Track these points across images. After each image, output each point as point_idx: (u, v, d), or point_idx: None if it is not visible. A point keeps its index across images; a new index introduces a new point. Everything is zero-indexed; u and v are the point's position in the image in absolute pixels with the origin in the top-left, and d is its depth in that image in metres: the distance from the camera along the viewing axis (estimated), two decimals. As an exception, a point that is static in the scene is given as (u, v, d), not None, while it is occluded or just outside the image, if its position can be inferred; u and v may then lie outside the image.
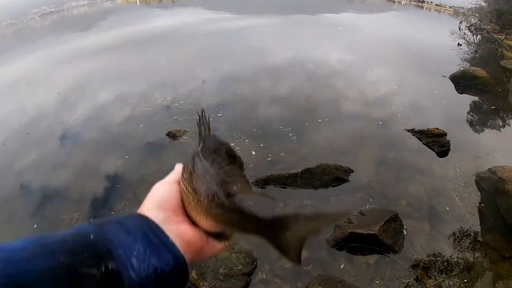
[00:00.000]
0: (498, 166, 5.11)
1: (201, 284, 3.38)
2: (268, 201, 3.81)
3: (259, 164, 5.17)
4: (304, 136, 6.08)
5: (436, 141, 5.91)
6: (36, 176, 5.45)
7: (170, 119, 6.68)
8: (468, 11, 25.59)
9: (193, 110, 6.83)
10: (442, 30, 19.38)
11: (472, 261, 3.81)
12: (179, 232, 0.57)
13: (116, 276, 0.47)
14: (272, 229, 0.56)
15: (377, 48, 14.19)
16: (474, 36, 20.68)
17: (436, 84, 9.51)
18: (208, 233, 0.59)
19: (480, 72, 9.67)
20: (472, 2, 23.92)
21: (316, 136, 6.13)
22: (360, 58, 12.16)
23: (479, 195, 4.87)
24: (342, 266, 3.69)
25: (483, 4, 23.96)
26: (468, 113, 7.98)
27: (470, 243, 4.06)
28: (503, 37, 17.27)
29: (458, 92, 9.13)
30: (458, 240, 4.09)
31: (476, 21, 23.36)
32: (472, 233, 4.20)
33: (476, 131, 7.27)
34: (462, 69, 10.53)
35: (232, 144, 4.54)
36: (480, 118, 7.83)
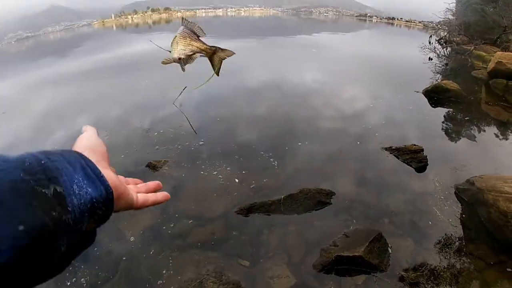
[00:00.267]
0: (476, 176, 5.20)
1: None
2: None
3: (244, 192, 5.15)
4: (285, 160, 6.11)
5: (414, 157, 6.05)
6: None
7: (150, 148, 6.60)
8: (437, 25, 26.46)
9: (173, 139, 6.86)
10: (413, 45, 19.94)
11: (458, 271, 3.84)
12: (106, 174, 0.63)
13: (62, 198, 0.51)
14: (211, 52, 1.14)
15: (351, 67, 14.58)
16: (444, 49, 21.35)
17: (410, 100, 9.80)
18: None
19: (451, 84, 10.00)
20: (441, 16, 24.79)
21: (296, 160, 6.18)
22: (335, 78, 12.50)
23: (460, 206, 4.96)
24: (330, 290, 3.71)
25: (451, 17, 24.83)
26: (443, 126, 8.20)
27: (455, 254, 4.11)
28: (472, 48, 17.81)
29: (432, 106, 9.40)
30: (443, 252, 4.13)
31: (445, 34, 24.15)
32: (456, 244, 4.25)
33: (452, 143, 7.44)
34: (434, 83, 10.85)
35: (214, 173, 4.62)
36: (455, 130, 8.03)
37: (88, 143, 0.71)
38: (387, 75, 13.12)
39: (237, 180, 5.46)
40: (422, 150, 6.16)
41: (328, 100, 9.84)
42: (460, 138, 7.61)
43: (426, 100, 9.80)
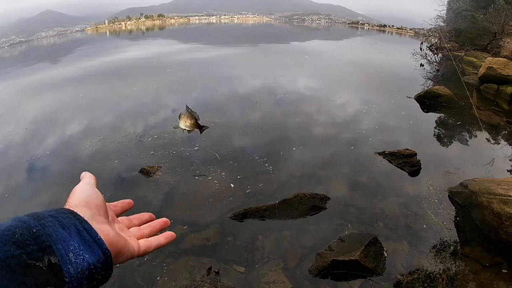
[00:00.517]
0: (469, 179, 5.24)
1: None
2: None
3: (239, 197, 5.13)
4: (280, 165, 6.11)
5: (407, 162, 6.08)
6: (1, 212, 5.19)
7: (145, 154, 6.55)
8: (428, 32, 26.83)
9: (168, 144, 6.83)
10: (405, 52, 20.14)
11: (454, 274, 3.84)
12: (103, 231, 0.60)
13: (57, 269, 0.48)
14: (200, 128, 1.61)
15: (344, 74, 14.66)
16: (436, 55, 21.58)
17: (402, 105, 9.88)
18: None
19: (443, 90, 10.11)
20: (432, 23, 25.12)
21: (291, 165, 6.18)
22: (328, 84, 12.55)
23: (454, 209, 4.98)
24: (326, 295, 3.69)
25: (442, 24, 25.19)
26: (436, 130, 8.27)
27: (450, 256, 4.11)
28: (463, 54, 18.03)
29: (424, 111, 9.49)
30: (438, 255, 4.14)
31: (436, 40, 24.45)
32: (451, 247, 4.26)
33: (444, 147, 7.49)
34: (426, 88, 10.98)
35: (209, 178, 4.60)
36: (447, 134, 8.11)
37: (81, 196, 0.66)
38: (380, 81, 13.24)
39: (232, 185, 5.43)
40: (415, 154, 6.20)
41: (322, 106, 9.89)
42: (453, 142, 7.67)
43: (418, 105, 9.90)
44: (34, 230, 0.49)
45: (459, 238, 4.43)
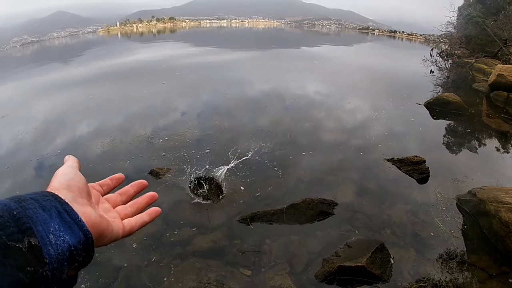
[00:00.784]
0: (477, 188, 5.23)
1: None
2: None
3: (249, 200, 5.16)
4: (289, 170, 6.13)
5: (416, 169, 6.07)
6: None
7: (156, 155, 6.61)
8: (439, 38, 26.69)
9: (178, 147, 6.88)
10: (415, 58, 20.04)
11: (460, 282, 3.83)
12: (84, 213, 0.60)
13: (38, 251, 0.48)
14: None
15: (354, 79, 14.63)
16: (446, 62, 21.44)
17: (412, 111, 9.85)
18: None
19: (453, 97, 10.06)
20: (442, 30, 24.99)
21: (300, 170, 6.19)
22: (338, 90, 12.54)
23: (462, 217, 4.96)
24: (333, 301, 3.71)
25: (453, 30, 25.02)
26: (445, 138, 8.23)
27: (457, 265, 4.10)
28: (473, 60, 17.90)
29: (434, 118, 9.45)
30: (445, 263, 4.12)
31: (446, 47, 24.31)
32: (458, 255, 4.24)
33: (453, 155, 7.46)
34: (436, 95, 10.93)
35: (221, 179, 4.62)
36: (457, 142, 8.06)
37: (63, 179, 0.65)
38: (389, 87, 13.21)
39: (242, 188, 5.46)
40: (424, 161, 6.18)
41: (331, 111, 9.90)
42: (462, 150, 7.63)
43: (427, 112, 9.87)
44: (15, 213, 0.49)
45: (466, 247, 4.41)
